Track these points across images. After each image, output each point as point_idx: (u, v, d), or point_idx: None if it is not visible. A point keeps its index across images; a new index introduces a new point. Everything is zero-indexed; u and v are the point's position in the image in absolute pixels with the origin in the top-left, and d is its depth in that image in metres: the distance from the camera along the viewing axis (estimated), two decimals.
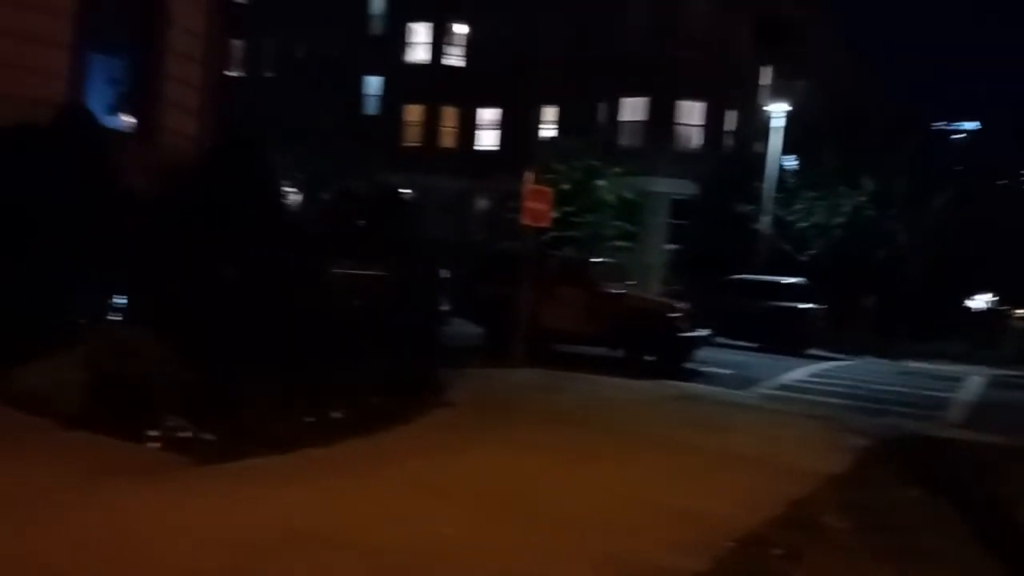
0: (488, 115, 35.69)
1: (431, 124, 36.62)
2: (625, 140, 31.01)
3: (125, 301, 8.03)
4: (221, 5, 13.15)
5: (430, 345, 10.94)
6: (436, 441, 7.73)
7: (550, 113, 32.98)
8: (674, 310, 15.50)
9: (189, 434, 6.72)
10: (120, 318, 8.19)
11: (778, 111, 26.54)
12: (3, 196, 7.91)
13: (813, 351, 21.14)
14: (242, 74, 37.45)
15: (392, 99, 37.39)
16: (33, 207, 7.83)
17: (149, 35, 11.32)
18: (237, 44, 36.47)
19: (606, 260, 18.65)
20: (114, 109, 11.14)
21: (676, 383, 13.17)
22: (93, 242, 8.02)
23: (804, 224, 26.68)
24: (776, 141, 26.26)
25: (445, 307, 13.54)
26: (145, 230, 8.46)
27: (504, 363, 12.91)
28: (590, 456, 7.66)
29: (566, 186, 24.91)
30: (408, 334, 10.48)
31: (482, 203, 34.85)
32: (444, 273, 15.82)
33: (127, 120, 11.42)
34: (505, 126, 34.91)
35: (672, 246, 29.85)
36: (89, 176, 8.44)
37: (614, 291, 15.74)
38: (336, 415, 7.78)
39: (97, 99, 10.55)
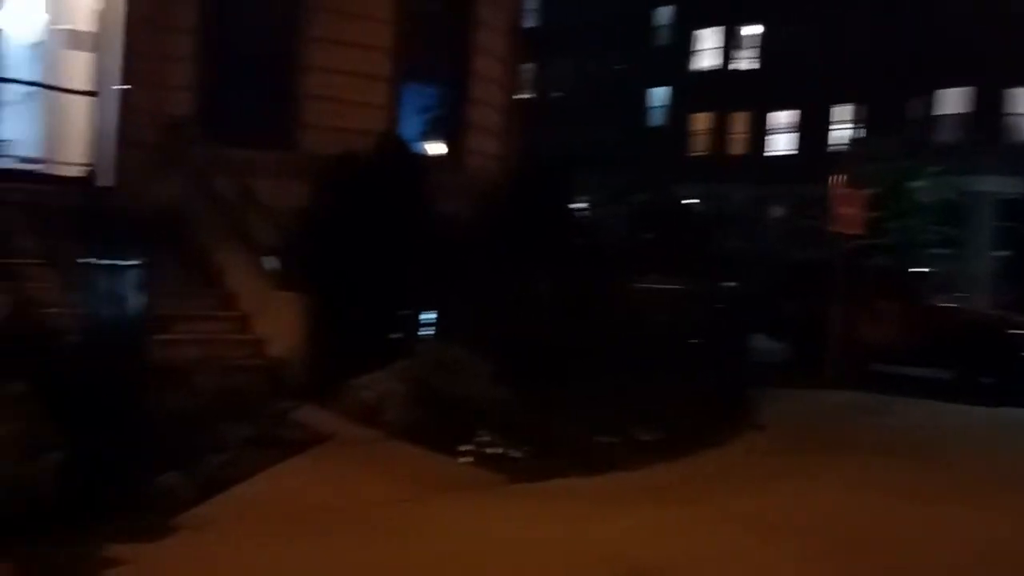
0: (782, 118, 33.88)
1: (720, 131, 35.52)
2: (943, 136, 27.90)
3: (440, 318, 8.33)
4: (518, 29, 13.54)
5: (736, 362, 10.34)
6: (752, 469, 7.16)
7: (853, 112, 30.64)
8: (1016, 325, 13.47)
9: (501, 450, 6.74)
10: (436, 335, 8.52)
11: None
12: (331, 221, 8.55)
13: None
14: (534, 95, 38.83)
15: (679, 109, 36.79)
16: (356, 230, 8.37)
17: (457, 63, 11.86)
18: (528, 67, 37.86)
19: (928, 269, 16.71)
20: (425, 135, 11.79)
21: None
22: (409, 261, 8.41)
23: None
24: None
25: (746, 321, 12.81)
26: (455, 249, 8.76)
27: (814, 383, 11.89)
28: (939, 495, 6.64)
29: (875, 189, 22.82)
30: (712, 351, 9.98)
31: (777, 211, 33.13)
32: (742, 286, 15.05)
33: (436, 145, 12.04)
34: (801, 129, 32.91)
35: (1002, 252, 26.30)
36: (403, 199, 8.89)
37: (942, 304, 14.01)
38: (644, 436, 7.48)
39: (410, 126, 11.22)
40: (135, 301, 5.92)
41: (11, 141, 11.05)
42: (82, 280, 5.97)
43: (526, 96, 32.50)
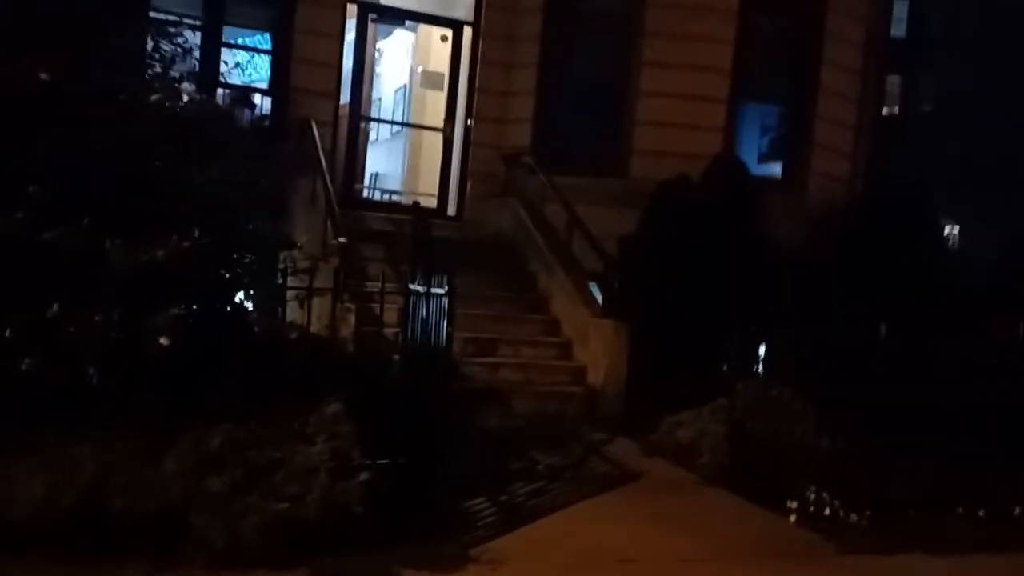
0: None
1: None
2: None
3: (767, 354, 7.66)
4: (878, 42, 12.31)
5: None
6: None
7: None
8: None
9: (831, 512, 5.93)
10: (764, 371, 7.85)
11: None
12: (655, 248, 8.27)
13: None
14: (898, 112, 35.48)
15: None
16: (680, 258, 8.00)
17: (801, 79, 11.05)
18: (894, 80, 34.67)
19: None
20: (763, 156, 11.11)
21: None
22: (736, 292, 7.86)
23: None
24: None
25: None
26: (789, 280, 8.02)
27: None
28: None
29: None
30: None
31: None
32: None
33: (775, 166, 11.29)
34: None
35: None
36: (734, 225, 8.36)
37: None
38: (1017, 512, 6.17)
39: (747, 147, 10.63)
40: (458, 325, 6.10)
41: (379, 174, 12.35)
42: (415, 303, 6.28)
43: (888, 112, 29.78)
